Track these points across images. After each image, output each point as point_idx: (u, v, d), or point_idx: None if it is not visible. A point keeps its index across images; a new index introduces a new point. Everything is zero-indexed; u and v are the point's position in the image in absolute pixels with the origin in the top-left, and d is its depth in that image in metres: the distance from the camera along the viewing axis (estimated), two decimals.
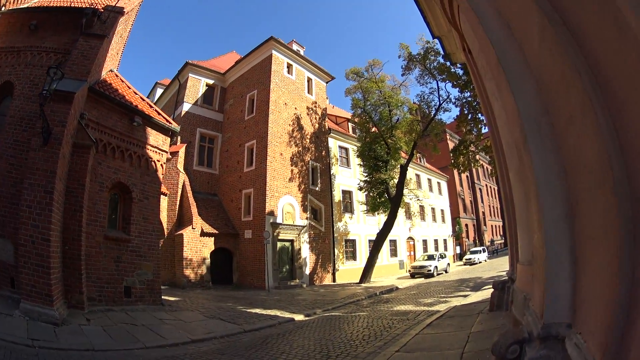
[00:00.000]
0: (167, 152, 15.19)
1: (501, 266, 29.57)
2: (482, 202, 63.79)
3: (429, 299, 16.02)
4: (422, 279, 28.20)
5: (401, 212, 34.79)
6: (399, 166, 27.11)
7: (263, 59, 28.19)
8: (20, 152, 10.52)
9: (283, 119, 27.14)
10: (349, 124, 34.85)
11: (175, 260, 23.35)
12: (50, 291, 9.08)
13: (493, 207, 69.52)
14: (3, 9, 12.31)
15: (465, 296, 15.45)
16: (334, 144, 32.06)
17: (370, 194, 28.46)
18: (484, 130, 18.41)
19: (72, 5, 13.66)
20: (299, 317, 13.33)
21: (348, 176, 32.69)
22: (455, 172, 53.08)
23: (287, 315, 13.51)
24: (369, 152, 27.67)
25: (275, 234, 24.83)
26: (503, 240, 68.14)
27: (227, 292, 21.30)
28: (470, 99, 19.67)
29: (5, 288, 9.57)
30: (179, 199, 25.52)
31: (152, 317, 11.37)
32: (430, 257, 32.33)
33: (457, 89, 21.02)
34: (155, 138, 14.58)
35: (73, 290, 10.46)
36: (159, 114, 15.08)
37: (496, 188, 71.72)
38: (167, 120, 15.19)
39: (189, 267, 23.33)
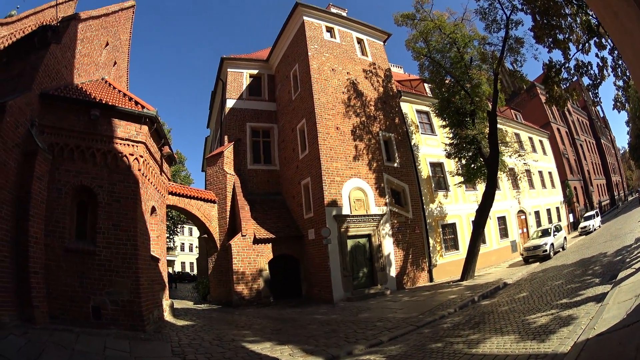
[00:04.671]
0: (143, 143, 11.63)
1: (619, 231, 23.95)
2: (585, 159, 51.52)
3: (542, 314, 9.16)
4: (537, 263, 20.63)
5: (506, 180, 27.20)
6: (486, 115, 19.49)
7: (297, 30, 22.00)
8: None
9: (332, 87, 20.50)
10: (425, 84, 26.65)
11: (229, 275, 18.31)
12: None
13: (595, 163, 56.50)
14: None
15: (597, 300, 8.81)
16: (409, 108, 24.34)
17: (462, 159, 20.79)
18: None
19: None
20: None
21: (434, 145, 24.49)
22: (555, 128, 44.79)
23: (299, 358, 8.33)
24: (448, 108, 20.24)
25: (342, 229, 18.14)
26: (609, 200, 56.05)
27: (280, 310, 15.97)
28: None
29: None
30: (229, 204, 20.22)
31: (96, 347, 8.26)
32: (545, 233, 23.78)
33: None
34: (125, 129, 11.40)
35: (26, 304, 8.83)
36: (137, 103, 12.10)
37: (594, 142, 57.45)
38: (142, 106, 11.94)
39: (242, 282, 18.00)
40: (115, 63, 16.26)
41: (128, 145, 11.25)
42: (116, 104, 11.42)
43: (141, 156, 11.44)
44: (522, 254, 22.95)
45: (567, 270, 15.23)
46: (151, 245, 12.63)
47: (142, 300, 10.41)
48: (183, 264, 64.95)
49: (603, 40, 13.11)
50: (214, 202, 20.20)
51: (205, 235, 20.46)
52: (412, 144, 22.62)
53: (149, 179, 12.35)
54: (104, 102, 11.27)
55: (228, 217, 19.82)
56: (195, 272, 49.87)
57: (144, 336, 9.80)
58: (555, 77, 14.79)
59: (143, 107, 11.83)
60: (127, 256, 10.41)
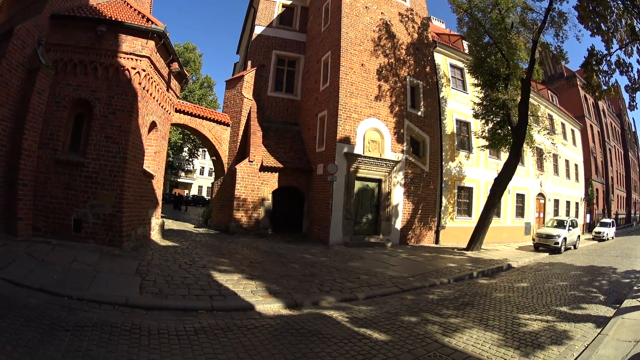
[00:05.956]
0: (147, 58, 10.89)
1: (632, 251, 21.77)
2: (611, 165, 48.10)
3: (536, 317, 7.55)
4: (546, 254, 18.91)
5: (531, 156, 25.05)
6: (519, 83, 17.56)
7: None
8: None
9: (363, 24, 18.56)
10: (463, 42, 24.26)
11: (231, 201, 17.41)
12: None
13: (620, 174, 52.68)
14: None
15: (597, 324, 7.17)
16: (442, 60, 22.03)
17: (489, 123, 18.80)
18: None
19: None
20: (269, 307, 7.16)
21: (464, 102, 22.24)
22: (588, 124, 41.49)
23: (258, 297, 7.57)
24: (482, 67, 18.23)
25: (351, 169, 16.78)
26: (625, 215, 52.39)
27: (274, 243, 14.96)
28: None
29: None
30: (242, 129, 18.99)
31: (65, 259, 8.11)
32: (560, 224, 21.79)
33: None
34: (130, 44, 10.78)
35: (12, 216, 8.99)
36: (149, 20, 11.18)
37: (622, 152, 55.14)
38: (150, 21, 11.15)
39: (242, 209, 17.01)
40: None
41: (131, 59, 10.77)
42: (125, 20, 10.88)
43: (143, 70, 10.92)
44: (533, 239, 21.19)
45: (575, 272, 13.98)
46: (147, 161, 12.38)
47: (124, 216, 10.25)
48: (200, 187, 64.30)
49: None
50: (227, 124, 19.19)
51: (214, 158, 19.58)
52: (441, 96, 20.70)
53: (151, 94, 11.90)
54: (113, 18, 10.77)
55: (239, 141, 18.85)
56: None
57: (118, 252, 9.62)
58: (595, 65, 13.79)
59: (152, 22, 11.22)
60: (115, 169, 10.17)
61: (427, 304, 8.30)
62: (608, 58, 13.93)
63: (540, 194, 28.08)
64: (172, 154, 44.20)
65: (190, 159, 51.51)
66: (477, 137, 20.59)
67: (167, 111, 14.04)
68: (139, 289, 7.25)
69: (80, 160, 9.96)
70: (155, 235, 13.04)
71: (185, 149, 45.68)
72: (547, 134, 20.41)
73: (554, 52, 17.70)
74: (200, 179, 64.45)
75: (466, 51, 23.12)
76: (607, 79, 14.75)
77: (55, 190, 9.74)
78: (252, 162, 17.04)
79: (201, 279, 8.29)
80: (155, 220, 13.31)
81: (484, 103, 18.54)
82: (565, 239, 20.07)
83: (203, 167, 65.15)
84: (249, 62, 21.19)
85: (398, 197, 17.78)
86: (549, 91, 34.01)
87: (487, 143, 19.40)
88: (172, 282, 7.87)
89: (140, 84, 10.81)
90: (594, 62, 13.97)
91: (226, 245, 13.66)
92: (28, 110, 9.33)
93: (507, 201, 22.92)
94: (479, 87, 19.05)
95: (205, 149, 52.15)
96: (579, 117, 39.30)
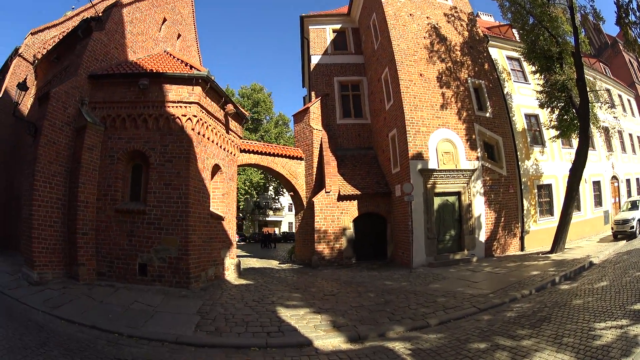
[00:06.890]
0: (197, 103, 11.11)
1: None
2: None
3: (611, 324, 6.33)
4: (624, 241, 16.69)
5: (599, 139, 22.48)
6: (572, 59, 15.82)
7: None
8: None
9: (412, 33, 17.69)
10: (513, 30, 22.26)
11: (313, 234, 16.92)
12: (33, 257, 8.99)
13: None
14: (36, 61, 14.15)
15: None
16: (499, 54, 20.28)
17: (554, 110, 17.00)
18: None
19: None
20: (329, 342, 6.65)
21: (528, 94, 20.00)
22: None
23: (319, 332, 7.08)
24: (534, 51, 16.60)
25: (428, 185, 15.60)
26: None
27: (357, 272, 14.20)
28: None
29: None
30: (316, 160, 18.55)
31: (125, 300, 8.46)
32: (634, 205, 19.11)
33: None
34: (176, 92, 11.10)
35: (73, 263, 9.65)
36: (192, 67, 11.70)
37: None
38: (193, 68, 11.64)
39: (323, 241, 16.39)
40: (179, 36, 16.61)
41: (180, 107, 11.02)
42: (166, 71, 11.25)
43: (195, 116, 11.09)
44: (612, 228, 18.72)
45: None
46: (214, 203, 12.40)
47: (191, 258, 10.26)
48: (290, 224, 61.28)
49: None
50: (300, 158, 18.82)
51: (292, 193, 19.29)
52: (505, 92, 18.83)
53: (208, 138, 12.00)
54: (153, 70, 11.19)
55: (315, 173, 18.29)
56: None
57: (184, 293, 9.65)
58: (625, 17, 13.78)
59: (194, 68, 11.58)
60: (178, 214, 10.32)
61: (503, 324, 7.22)
62: (631, 6, 13.79)
63: (614, 177, 24.74)
64: (257, 194, 44.31)
65: (276, 197, 51.28)
66: (547, 129, 18.45)
67: (230, 153, 13.98)
68: (195, 327, 7.14)
69: (142, 208, 10.27)
70: (230, 275, 12.87)
71: (271, 187, 45.53)
72: (609, 107, 18.18)
73: (590, 16, 16.43)
74: (289, 216, 62.04)
75: (518, 39, 21.03)
76: (638, 30, 14.34)
77: (118, 238, 10.11)
78: (328, 192, 16.44)
79: (264, 316, 7.99)
80: (230, 260, 13.13)
81: (546, 89, 16.80)
82: (639, 220, 17.60)
83: (291, 204, 61.81)
84: (313, 93, 20.91)
85: (479, 207, 16.17)
86: (600, 64, 31.11)
87: (557, 132, 17.37)
88: (231, 320, 7.66)
89: (193, 129, 10.92)
90: (623, 15, 13.82)
91: (305, 279, 13.27)
92: (80, 165, 9.87)
93: (585, 191, 20.38)
94: (538, 74, 17.54)
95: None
96: (630, 85, 34.93)
